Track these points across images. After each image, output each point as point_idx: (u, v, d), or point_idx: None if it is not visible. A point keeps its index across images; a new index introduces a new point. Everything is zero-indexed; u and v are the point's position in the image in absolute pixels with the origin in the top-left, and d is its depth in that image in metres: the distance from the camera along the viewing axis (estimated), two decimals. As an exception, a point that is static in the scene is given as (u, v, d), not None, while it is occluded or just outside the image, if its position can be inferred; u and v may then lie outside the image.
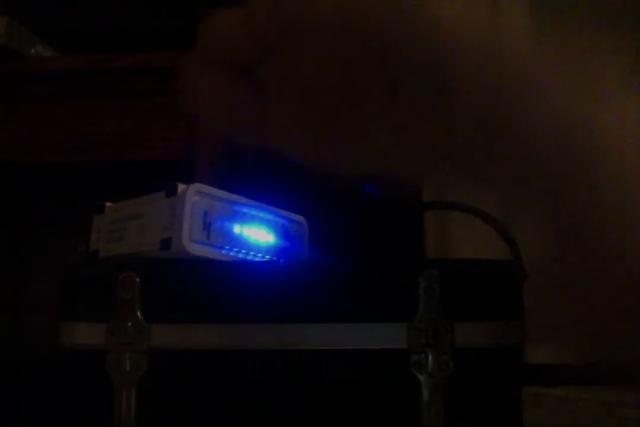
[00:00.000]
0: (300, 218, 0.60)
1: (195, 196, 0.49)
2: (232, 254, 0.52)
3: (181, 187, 0.50)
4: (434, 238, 0.75)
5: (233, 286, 0.50)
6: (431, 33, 0.26)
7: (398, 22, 0.26)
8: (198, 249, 0.49)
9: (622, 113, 0.26)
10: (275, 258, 0.55)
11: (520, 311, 0.51)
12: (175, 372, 0.49)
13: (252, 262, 0.54)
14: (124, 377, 0.48)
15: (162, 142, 0.81)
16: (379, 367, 0.49)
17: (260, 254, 0.55)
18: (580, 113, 0.26)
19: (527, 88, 0.26)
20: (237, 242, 0.53)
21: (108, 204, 0.57)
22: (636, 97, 0.26)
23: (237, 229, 0.53)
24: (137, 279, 0.49)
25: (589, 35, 0.27)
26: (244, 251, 0.53)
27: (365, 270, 0.50)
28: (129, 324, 0.49)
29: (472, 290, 0.50)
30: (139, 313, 0.49)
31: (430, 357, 0.47)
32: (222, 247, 0.51)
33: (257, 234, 0.55)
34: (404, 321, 0.48)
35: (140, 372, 0.48)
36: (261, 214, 0.55)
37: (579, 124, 0.25)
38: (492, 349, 0.49)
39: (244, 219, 0.53)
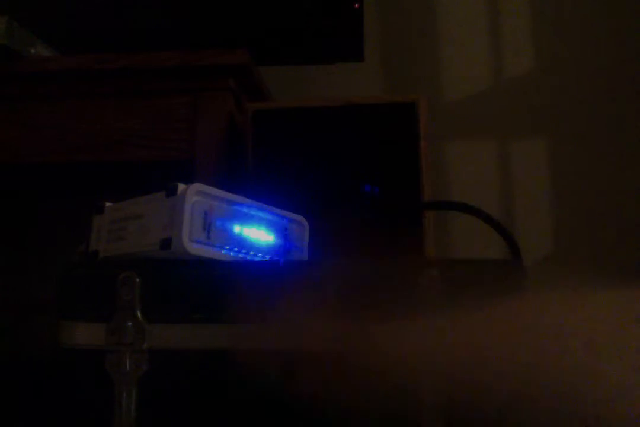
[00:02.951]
0: (300, 218, 0.60)
1: (195, 196, 0.49)
2: (232, 254, 0.52)
3: (181, 187, 0.50)
4: (434, 238, 0.75)
5: (233, 286, 0.50)
6: None
7: None
8: (198, 249, 0.49)
9: None
10: (275, 258, 0.55)
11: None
12: (175, 372, 0.49)
13: (252, 262, 0.53)
14: (124, 377, 0.48)
15: (162, 142, 0.81)
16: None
17: (260, 254, 0.55)
18: None
19: None
20: (237, 242, 0.52)
21: (108, 204, 0.56)
22: None
23: (237, 229, 0.53)
24: (137, 279, 0.49)
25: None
26: (244, 251, 0.53)
27: (365, 270, 0.50)
28: (129, 324, 0.49)
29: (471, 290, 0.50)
30: (139, 313, 0.49)
31: (430, 357, 0.47)
32: (222, 247, 0.51)
33: (257, 234, 0.55)
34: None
35: (140, 372, 0.48)
36: (261, 214, 0.55)
37: None
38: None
39: (244, 219, 0.53)
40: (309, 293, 0.44)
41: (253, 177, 0.77)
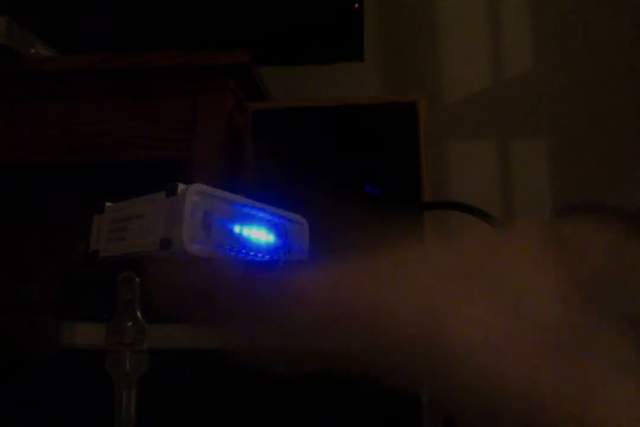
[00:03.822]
0: (300, 218, 0.60)
1: (195, 196, 0.49)
2: (232, 254, 0.52)
3: (181, 187, 0.50)
4: (433, 238, 0.75)
5: (232, 285, 0.50)
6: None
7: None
8: (198, 249, 0.49)
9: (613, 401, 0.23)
10: (275, 258, 0.55)
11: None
12: (175, 372, 0.49)
13: (252, 262, 0.53)
14: (124, 377, 0.48)
15: (162, 142, 0.81)
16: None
17: (260, 254, 0.55)
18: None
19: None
20: (237, 242, 0.52)
21: (108, 204, 0.56)
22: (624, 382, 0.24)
23: (237, 229, 0.53)
24: (137, 279, 0.49)
25: None
26: (244, 251, 0.53)
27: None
28: (129, 324, 0.49)
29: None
30: (139, 313, 0.49)
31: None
32: (222, 247, 0.51)
33: (257, 234, 0.55)
34: (404, 321, 0.48)
35: (140, 372, 0.48)
36: (261, 214, 0.55)
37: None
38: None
39: (244, 219, 0.53)
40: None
41: (253, 177, 0.77)
